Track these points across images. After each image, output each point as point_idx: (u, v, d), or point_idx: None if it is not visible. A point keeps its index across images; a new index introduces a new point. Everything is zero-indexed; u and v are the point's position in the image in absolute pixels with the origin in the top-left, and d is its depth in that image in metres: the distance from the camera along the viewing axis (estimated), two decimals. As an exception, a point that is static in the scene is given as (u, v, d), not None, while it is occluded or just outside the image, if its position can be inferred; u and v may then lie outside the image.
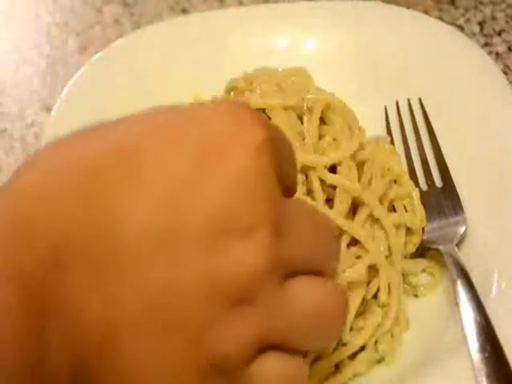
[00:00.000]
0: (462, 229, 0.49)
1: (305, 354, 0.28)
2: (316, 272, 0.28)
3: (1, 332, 0.24)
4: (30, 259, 0.24)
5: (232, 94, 0.53)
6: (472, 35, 0.67)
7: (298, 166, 0.47)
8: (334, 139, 0.49)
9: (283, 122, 0.49)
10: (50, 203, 0.25)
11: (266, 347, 0.26)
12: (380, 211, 0.47)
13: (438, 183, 0.52)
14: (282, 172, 0.27)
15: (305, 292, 0.27)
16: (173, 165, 0.25)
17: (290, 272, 0.27)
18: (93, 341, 0.24)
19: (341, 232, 0.47)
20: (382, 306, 0.46)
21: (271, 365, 0.27)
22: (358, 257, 0.46)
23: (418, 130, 0.55)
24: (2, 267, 0.24)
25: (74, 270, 0.24)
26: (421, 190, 0.51)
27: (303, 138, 0.49)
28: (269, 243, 0.25)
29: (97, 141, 0.26)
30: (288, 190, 0.28)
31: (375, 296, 0.47)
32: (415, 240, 0.49)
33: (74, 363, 0.25)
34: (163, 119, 0.27)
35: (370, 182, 0.49)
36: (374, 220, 0.48)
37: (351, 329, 0.46)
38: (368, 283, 0.47)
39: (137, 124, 0.27)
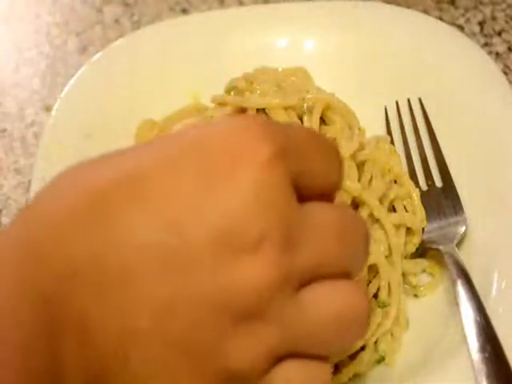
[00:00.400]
0: (462, 229, 0.49)
1: (327, 357, 0.28)
2: (340, 274, 0.27)
3: (4, 345, 0.24)
4: (49, 277, 0.25)
5: (232, 93, 0.53)
6: (472, 35, 0.67)
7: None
8: (334, 139, 0.49)
9: (283, 122, 0.49)
10: (63, 226, 0.25)
11: (286, 356, 0.26)
12: (380, 211, 0.47)
13: (438, 183, 0.52)
14: (302, 178, 0.27)
15: (322, 300, 0.27)
16: (179, 187, 0.25)
17: (307, 280, 0.26)
18: (106, 357, 0.25)
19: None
20: (383, 306, 0.46)
21: (291, 371, 0.26)
22: (358, 257, 0.46)
23: (418, 130, 0.55)
24: (15, 284, 0.25)
25: (88, 289, 0.25)
26: (421, 190, 0.51)
27: (303, 138, 0.49)
28: (276, 258, 0.25)
29: (107, 168, 0.27)
30: (318, 192, 0.28)
31: (375, 296, 0.47)
32: (415, 240, 0.49)
33: (88, 380, 0.25)
34: (170, 145, 0.27)
35: (370, 182, 0.49)
36: (374, 220, 0.48)
37: (351, 329, 0.46)
38: (368, 283, 0.47)
39: (145, 152, 0.27)
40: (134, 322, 0.25)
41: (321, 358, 0.27)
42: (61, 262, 0.25)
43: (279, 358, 0.26)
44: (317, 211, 0.27)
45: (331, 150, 0.29)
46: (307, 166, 0.27)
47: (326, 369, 0.27)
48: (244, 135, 0.26)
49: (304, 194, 0.27)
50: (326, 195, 0.28)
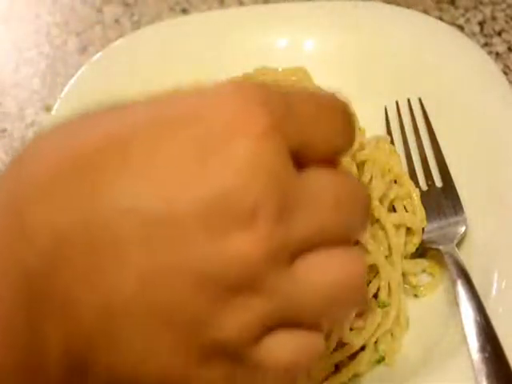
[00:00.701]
0: (462, 229, 0.49)
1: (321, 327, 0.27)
2: (336, 241, 0.27)
3: None
4: (33, 252, 0.24)
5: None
6: (472, 35, 0.67)
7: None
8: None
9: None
10: (43, 192, 0.25)
11: (277, 325, 0.26)
12: (380, 211, 0.47)
13: (438, 183, 0.52)
14: (303, 145, 0.26)
15: (317, 270, 0.26)
16: (169, 152, 0.25)
17: (303, 250, 0.26)
18: (90, 330, 0.24)
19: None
20: (383, 306, 0.46)
21: (281, 340, 0.26)
22: (358, 257, 0.46)
23: (418, 130, 0.55)
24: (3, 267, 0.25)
25: (73, 261, 0.24)
26: (421, 190, 0.51)
27: (303, 138, 0.49)
28: (270, 230, 0.24)
29: (92, 129, 0.26)
30: (322, 157, 0.27)
31: (375, 296, 0.47)
32: (415, 240, 0.49)
33: (71, 354, 0.25)
34: (162, 109, 0.26)
35: (370, 182, 0.49)
36: (374, 220, 0.48)
37: (351, 329, 0.46)
38: (368, 283, 0.47)
39: (133, 113, 0.27)
40: (120, 289, 0.24)
41: (317, 327, 0.27)
42: (45, 234, 0.24)
43: (270, 328, 0.26)
44: (316, 178, 0.26)
45: (337, 112, 0.28)
46: (308, 133, 0.27)
47: (318, 338, 0.27)
48: (242, 103, 0.25)
49: (304, 161, 0.26)
50: (331, 159, 0.28)
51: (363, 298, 0.28)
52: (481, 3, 0.70)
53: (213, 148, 0.24)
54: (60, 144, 0.26)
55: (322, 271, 0.26)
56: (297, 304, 0.26)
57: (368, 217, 0.29)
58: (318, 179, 0.27)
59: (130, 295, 0.24)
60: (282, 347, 0.26)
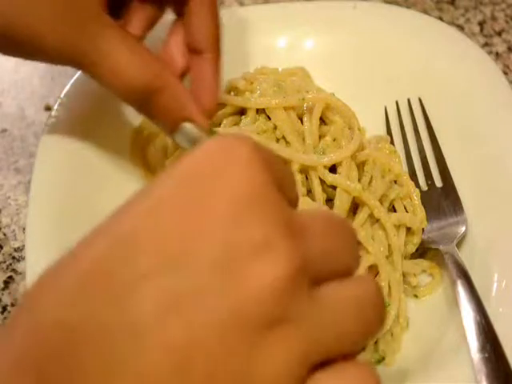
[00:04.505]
0: (462, 229, 0.49)
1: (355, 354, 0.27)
2: (342, 271, 0.27)
3: None
4: (45, 353, 0.24)
5: (232, 93, 0.53)
6: (472, 35, 0.67)
7: (298, 166, 0.48)
8: (334, 139, 0.49)
9: (283, 122, 0.49)
10: (57, 299, 0.25)
11: (318, 365, 0.25)
12: (380, 211, 0.47)
13: (438, 183, 0.52)
14: (280, 183, 0.27)
15: (339, 293, 0.26)
16: (168, 227, 0.25)
17: (317, 276, 0.26)
18: None
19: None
20: (382, 306, 0.46)
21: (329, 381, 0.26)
22: (358, 257, 0.46)
23: (418, 130, 0.55)
24: (17, 359, 0.24)
25: (86, 359, 0.24)
26: (421, 190, 0.51)
27: (303, 138, 0.49)
28: (286, 247, 0.24)
29: (98, 239, 0.26)
30: (291, 203, 0.28)
31: (375, 296, 0.47)
32: (415, 240, 0.49)
33: None
34: (156, 193, 0.26)
35: (370, 183, 0.49)
36: (374, 220, 0.48)
37: (351, 329, 0.46)
38: (368, 283, 0.47)
39: (132, 209, 0.26)
40: (153, 371, 0.23)
41: (352, 355, 0.27)
42: (62, 334, 0.24)
43: (313, 368, 0.25)
44: (299, 210, 0.27)
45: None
46: (279, 173, 0.27)
47: (367, 369, 0.27)
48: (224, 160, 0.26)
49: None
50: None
51: (384, 314, 0.28)
52: (481, 3, 0.70)
53: (235, 273, 0.24)
54: (74, 265, 0.26)
55: (342, 291, 0.26)
56: (329, 329, 0.26)
57: (357, 241, 0.30)
58: (301, 211, 0.27)
59: (164, 374, 0.23)
60: None
